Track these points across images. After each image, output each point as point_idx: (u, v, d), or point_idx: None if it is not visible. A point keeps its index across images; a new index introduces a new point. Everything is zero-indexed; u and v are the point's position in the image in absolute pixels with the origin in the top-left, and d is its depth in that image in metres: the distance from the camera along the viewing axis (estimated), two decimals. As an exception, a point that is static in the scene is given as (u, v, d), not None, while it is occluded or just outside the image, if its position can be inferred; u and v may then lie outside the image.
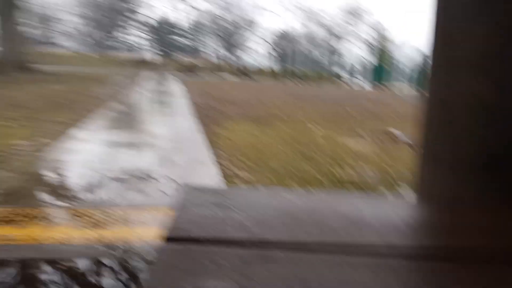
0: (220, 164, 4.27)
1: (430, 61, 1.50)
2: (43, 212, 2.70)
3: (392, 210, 1.30)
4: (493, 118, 1.34)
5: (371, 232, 1.14)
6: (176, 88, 14.35)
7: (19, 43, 15.50)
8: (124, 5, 44.90)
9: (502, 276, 0.91)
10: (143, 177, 3.60)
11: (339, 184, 3.92)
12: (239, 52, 46.41)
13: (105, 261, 2.14)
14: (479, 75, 1.34)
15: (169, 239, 1.03)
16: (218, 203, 1.27)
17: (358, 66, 33.45)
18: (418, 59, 28.95)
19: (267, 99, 12.03)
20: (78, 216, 2.65)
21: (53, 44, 38.08)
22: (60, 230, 2.42)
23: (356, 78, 32.73)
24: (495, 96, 1.32)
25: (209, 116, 7.84)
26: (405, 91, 21.97)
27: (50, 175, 3.61)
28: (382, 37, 32.60)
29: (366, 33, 45.28)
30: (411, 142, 6.33)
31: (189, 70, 28.16)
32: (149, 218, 2.69)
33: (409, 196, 1.56)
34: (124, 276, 2.01)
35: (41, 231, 2.38)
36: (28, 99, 8.75)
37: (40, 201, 2.94)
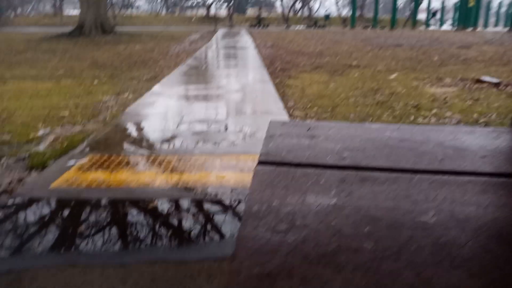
0: (291, 114, 4.23)
1: None
2: (129, 159, 2.90)
3: (488, 138, 1.21)
4: None
5: (467, 158, 1.08)
6: (247, 41, 14.30)
7: (98, 6, 16.28)
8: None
9: None
10: (217, 127, 3.70)
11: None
12: (310, 2, 44.60)
13: (185, 202, 2.26)
14: None
15: (262, 163, 1.06)
16: (305, 133, 1.28)
17: (441, 8, 30.58)
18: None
19: (339, 48, 11.56)
20: (159, 162, 2.81)
21: (130, 6, 39.54)
22: (144, 175, 2.59)
23: (439, 20, 30.07)
24: None
25: (279, 67, 7.75)
26: (493, 33, 19.80)
27: (134, 126, 3.85)
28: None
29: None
30: (499, 84, 5.76)
31: (260, 23, 27.80)
32: (224, 164, 2.77)
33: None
34: (202, 217, 2.12)
35: (128, 176, 2.57)
36: (110, 58, 9.28)
37: (126, 149, 3.15)
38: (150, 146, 3.22)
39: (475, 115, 4.17)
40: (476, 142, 1.21)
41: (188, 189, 2.39)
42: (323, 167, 1.04)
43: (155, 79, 6.51)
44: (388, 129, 1.36)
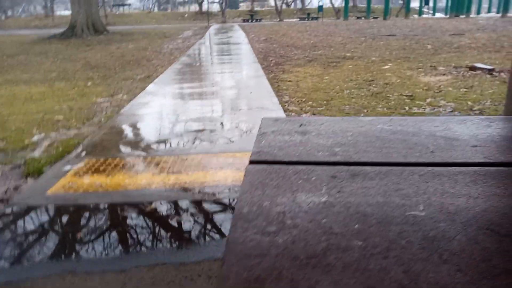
0: (286, 109, 4.23)
1: None
2: (125, 161, 2.89)
3: (479, 127, 1.21)
4: None
5: (458, 148, 1.09)
6: (240, 36, 14.24)
7: (90, 6, 16.17)
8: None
9: None
10: (213, 125, 3.69)
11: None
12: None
13: (183, 204, 2.26)
14: None
15: (254, 162, 1.06)
16: (297, 129, 1.28)
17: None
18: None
19: (333, 40, 11.53)
20: (156, 163, 2.81)
21: (121, 4, 39.28)
22: (141, 177, 2.59)
23: (432, 8, 30.00)
24: None
25: (273, 62, 7.73)
26: (486, 19, 19.79)
27: (129, 128, 3.84)
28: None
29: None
30: (492, 70, 5.76)
31: (253, 17, 27.69)
32: (221, 163, 2.77)
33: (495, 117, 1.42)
34: (200, 217, 2.12)
35: (125, 179, 2.57)
36: (102, 59, 9.23)
37: (122, 151, 3.15)
38: (146, 148, 3.22)
39: (469, 103, 4.18)
40: (468, 132, 1.21)
41: (185, 189, 2.39)
42: (314, 164, 1.03)
43: (149, 78, 6.48)
44: (380, 122, 1.35)
